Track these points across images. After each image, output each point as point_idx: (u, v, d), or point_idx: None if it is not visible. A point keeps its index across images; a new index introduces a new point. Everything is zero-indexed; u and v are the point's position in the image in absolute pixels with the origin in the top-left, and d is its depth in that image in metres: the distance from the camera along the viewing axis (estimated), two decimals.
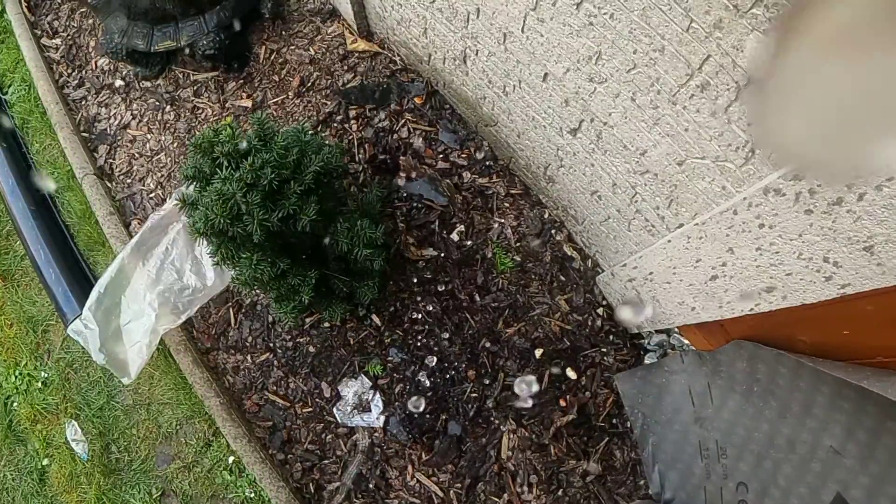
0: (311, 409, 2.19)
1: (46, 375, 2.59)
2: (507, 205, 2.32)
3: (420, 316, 2.21)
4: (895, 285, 1.08)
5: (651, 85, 1.35)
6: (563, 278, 2.23)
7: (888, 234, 1.02)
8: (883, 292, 1.12)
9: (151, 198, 2.60)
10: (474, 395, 2.10)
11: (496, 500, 2.00)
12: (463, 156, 2.39)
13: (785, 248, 1.25)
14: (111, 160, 2.72)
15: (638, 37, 1.29)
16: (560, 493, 1.99)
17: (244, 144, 1.61)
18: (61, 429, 2.50)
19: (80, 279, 2.54)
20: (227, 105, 2.66)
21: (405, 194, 2.34)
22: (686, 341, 2.02)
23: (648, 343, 2.14)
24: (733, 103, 1.18)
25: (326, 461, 2.13)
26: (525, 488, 2.00)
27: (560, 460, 2.02)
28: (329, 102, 2.54)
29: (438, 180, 2.35)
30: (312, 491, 2.10)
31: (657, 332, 2.09)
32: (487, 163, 2.39)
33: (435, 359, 2.15)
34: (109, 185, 2.68)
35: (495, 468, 2.03)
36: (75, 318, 2.21)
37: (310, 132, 1.80)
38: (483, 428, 2.08)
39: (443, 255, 2.26)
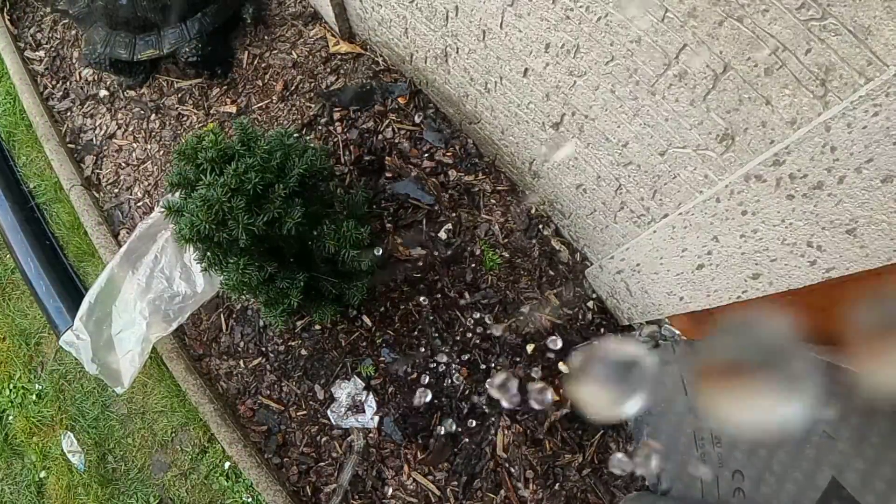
0: (305, 412, 2.18)
1: (41, 388, 2.58)
2: (493, 201, 2.32)
3: (410, 315, 2.20)
4: (877, 268, 1.08)
5: (630, 76, 1.35)
6: (552, 273, 2.23)
7: (870, 216, 1.02)
8: (864, 276, 1.13)
9: (139, 207, 2.59)
10: (468, 392, 2.10)
11: (493, 496, 2.00)
12: (448, 154, 2.39)
13: (768, 234, 1.25)
14: (98, 170, 2.71)
15: (614, 28, 1.29)
16: (557, 486, 1.99)
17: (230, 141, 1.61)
18: (57, 440, 2.49)
19: (71, 290, 2.53)
20: (211, 111, 2.65)
21: (392, 194, 2.34)
22: (677, 331, 2.02)
23: (639, 335, 2.14)
24: (711, 91, 1.18)
25: (322, 463, 2.13)
26: (521, 484, 2.00)
27: (555, 455, 2.02)
28: (313, 105, 2.53)
29: (424, 179, 2.34)
30: (309, 493, 2.10)
31: (648, 323, 2.09)
32: (473, 160, 2.39)
33: (427, 357, 2.15)
34: (97, 195, 2.67)
35: (491, 465, 2.03)
36: (67, 330, 2.20)
37: (294, 135, 1.79)
38: (478, 425, 2.07)
39: (431, 253, 2.25)
